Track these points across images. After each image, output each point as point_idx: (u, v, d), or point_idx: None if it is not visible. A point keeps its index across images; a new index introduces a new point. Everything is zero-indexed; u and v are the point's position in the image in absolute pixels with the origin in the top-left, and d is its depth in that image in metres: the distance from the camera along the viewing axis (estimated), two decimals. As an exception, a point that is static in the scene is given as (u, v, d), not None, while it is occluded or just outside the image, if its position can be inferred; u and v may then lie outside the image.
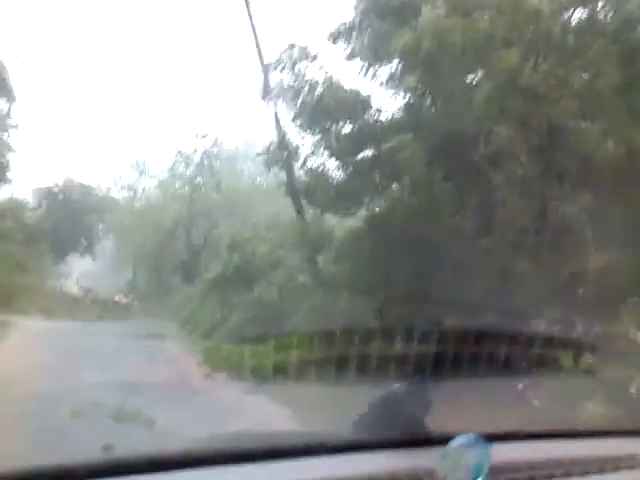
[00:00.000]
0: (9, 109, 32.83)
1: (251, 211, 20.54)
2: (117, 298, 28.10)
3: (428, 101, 11.87)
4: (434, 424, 2.04)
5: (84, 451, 5.29)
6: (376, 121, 12.52)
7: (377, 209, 12.12)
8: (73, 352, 12.00)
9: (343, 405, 7.94)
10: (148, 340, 15.43)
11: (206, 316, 16.07)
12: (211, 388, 9.44)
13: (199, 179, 26.70)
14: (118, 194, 33.31)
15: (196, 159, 26.50)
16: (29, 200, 34.26)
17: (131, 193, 32.72)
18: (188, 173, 27.52)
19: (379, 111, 12.68)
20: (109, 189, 33.24)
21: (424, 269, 10.02)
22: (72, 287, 32.38)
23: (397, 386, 2.25)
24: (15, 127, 34.64)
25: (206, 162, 26.13)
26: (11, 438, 5.78)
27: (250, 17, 14.52)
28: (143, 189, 32.51)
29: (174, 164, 28.00)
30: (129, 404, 7.06)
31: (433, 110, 11.68)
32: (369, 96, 12.64)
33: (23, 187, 33.66)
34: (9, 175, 32.64)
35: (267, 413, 7.70)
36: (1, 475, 1.52)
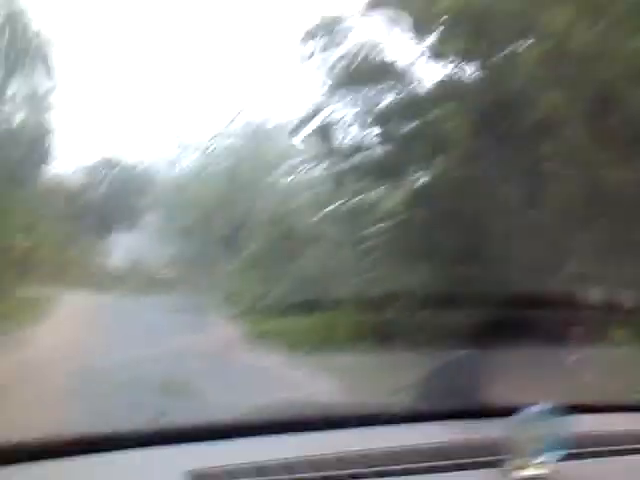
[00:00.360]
0: (52, 86, 33.61)
1: (292, 185, 20.46)
2: (161, 272, 28.59)
3: (474, 68, 11.48)
4: (495, 394, 1.95)
5: (132, 422, 5.36)
6: (418, 90, 12.18)
7: (421, 182, 11.86)
8: (119, 326, 12.25)
9: (390, 374, 7.89)
10: (192, 314, 15.64)
11: (248, 290, 16.16)
12: (255, 360, 9.48)
13: (240, 154, 26.74)
14: (161, 170, 33.66)
15: (236, 133, 26.52)
16: (74, 177, 35.02)
17: (174, 169, 33.02)
18: (229, 147, 27.58)
19: (421, 80, 12.32)
20: (152, 165, 33.59)
21: (471, 242, 9.79)
22: (117, 262, 33.12)
23: (455, 354, 2.17)
24: (58, 104, 35.42)
25: (247, 135, 26.10)
26: (62, 409, 5.89)
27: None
28: (186, 165, 32.78)
29: (215, 138, 28.08)
30: (175, 376, 7.13)
31: (479, 77, 11.29)
32: (411, 64, 12.28)
33: (67, 164, 34.26)
34: (55, 153, 33.60)
35: (312, 383, 7.66)
36: (54, 440, 1.50)
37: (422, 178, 11.69)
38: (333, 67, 12.42)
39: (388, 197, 13.29)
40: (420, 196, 11.47)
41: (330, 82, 12.62)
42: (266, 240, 16.00)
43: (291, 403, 2.82)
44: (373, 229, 13.17)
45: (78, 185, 34.58)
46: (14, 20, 32.09)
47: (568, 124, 9.81)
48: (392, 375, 8.09)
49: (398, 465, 1.40)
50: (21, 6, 31.81)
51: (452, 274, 9.59)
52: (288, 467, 1.36)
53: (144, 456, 1.46)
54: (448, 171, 10.95)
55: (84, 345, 10.03)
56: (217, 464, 1.37)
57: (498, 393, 1.96)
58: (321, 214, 14.36)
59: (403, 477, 1.38)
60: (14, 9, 31.54)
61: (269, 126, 27.87)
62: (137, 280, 26.61)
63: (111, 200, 34.25)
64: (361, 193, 13.42)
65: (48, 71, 33.38)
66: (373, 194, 13.31)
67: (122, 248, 37.41)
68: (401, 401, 1.81)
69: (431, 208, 10.98)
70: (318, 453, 1.44)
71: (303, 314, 11.90)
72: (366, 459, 1.41)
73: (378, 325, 10.38)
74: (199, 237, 28.14)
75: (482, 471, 1.43)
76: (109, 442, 1.48)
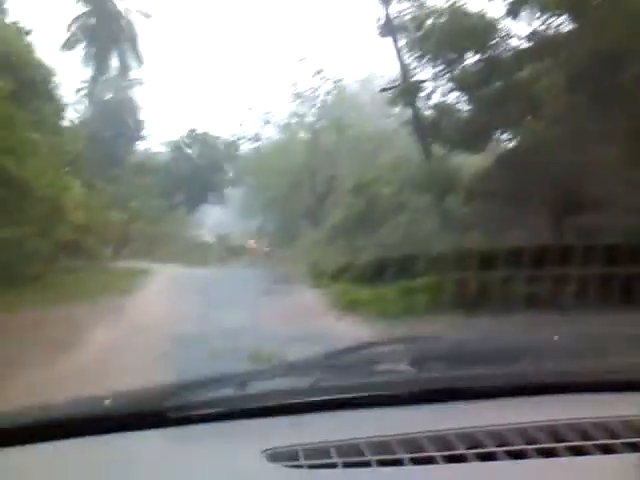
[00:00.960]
0: (138, 66, 34.64)
1: (375, 153, 20.16)
2: (247, 244, 29.26)
3: (568, 21, 10.75)
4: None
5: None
6: (507, 49, 11.57)
7: (511, 144, 11.31)
8: (208, 296, 12.56)
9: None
10: (277, 284, 15.86)
11: (332, 260, 16.17)
12: (343, 330, 9.42)
13: (321, 123, 26.62)
14: (244, 144, 34.19)
15: (317, 102, 26.42)
16: (161, 154, 36.18)
17: (256, 142, 33.44)
18: (310, 118, 27.53)
19: (509, 37, 11.69)
20: (236, 139, 34.15)
21: (567, 206, 9.25)
22: (205, 235, 34.13)
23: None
24: (144, 84, 36.56)
25: (327, 104, 25.92)
26: (154, 375, 6.09)
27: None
28: (267, 137, 33.11)
29: (295, 109, 28.11)
30: (263, 345, 7.18)
31: (574, 30, 10.56)
32: (498, 21, 11.66)
33: (154, 142, 35.43)
34: (144, 132, 34.71)
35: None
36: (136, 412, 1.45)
37: (508, 141, 11.17)
38: (417, 29, 11.99)
39: (470, 163, 12.84)
40: (506, 160, 10.97)
41: (413, 45, 12.20)
42: (350, 209, 15.88)
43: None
44: (456, 197, 12.79)
45: (167, 161, 35.84)
46: (103, 2, 33.34)
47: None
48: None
49: (560, 442, 1.22)
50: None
51: (541, 245, 9.09)
52: (375, 446, 1.25)
53: (216, 432, 1.40)
54: (539, 132, 10.39)
55: (176, 312, 10.38)
56: (292, 441, 1.28)
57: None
58: (404, 183, 14.07)
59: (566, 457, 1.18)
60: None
61: (350, 92, 27.63)
62: (224, 252, 27.38)
63: (197, 175, 35.27)
64: (444, 159, 13.02)
65: (137, 52, 34.57)
66: (454, 160, 12.89)
67: (209, 221, 38.48)
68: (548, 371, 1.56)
69: (518, 172, 10.44)
70: (443, 427, 1.29)
71: (389, 282, 11.76)
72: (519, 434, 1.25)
73: (464, 294, 10.08)
74: (283, 208, 28.51)
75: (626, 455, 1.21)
76: (212, 406, 1.44)
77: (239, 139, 33.79)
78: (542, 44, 10.99)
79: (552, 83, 9.47)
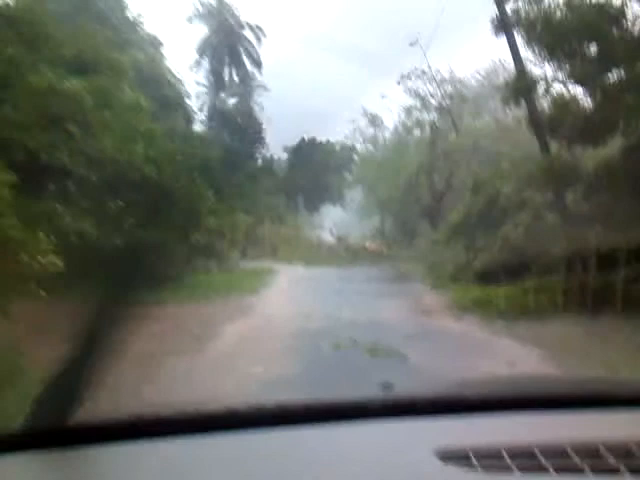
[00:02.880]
0: (259, 72, 36.27)
1: (493, 150, 19.85)
2: (367, 244, 29.74)
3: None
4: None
5: (341, 379, 5.92)
6: (628, 37, 11.09)
7: (633, 136, 10.82)
8: (330, 294, 13.14)
9: (600, 345, 7.55)
10: (397, 283, 16.17)
11: (452, 259, 16.20)
12: (461, 329, 9.58)
13: (438, 122, 26.49)
14: (360, 147, 34.78)
15: (434, 102, 26.32)
16: (281, 159, 37.60)
17: (372, 145, 33.91)
18: (426, 117, 27.47)
19: (631, 24, 11.18)
20: (352, 143, 34.84)
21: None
22: (326, 236, 35.07)
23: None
24: (265, 89, 38.13)
25: (444, 104, 25.75)
26: (283, 367, 6.66)
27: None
28: (383, 139, 33.41)
29: (410, 110, 28.13)
30: (382, 341, 7.57)
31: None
32: (619, 8, 11.18)
33: (275, 147, 36.84)
34: (265, 137, 36.24)
35: (517, 354, 7.55)
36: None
37: (631, 133, 10.69)
38: (533, 22, 11.78)
39: (591, 157, 12.40)
40: (629, 153, 10.52)
41: (530, 40, 11.99)
42: (469, 208, 15.83)
43: (542, 378, 2.60)
44: (578, 192, 12.42)
45: (287, 165, 37.22)
46: (224, 13, 35.27)
47: None
48: (595, 345, 7.71)
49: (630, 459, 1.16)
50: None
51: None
52: (550, 451, 1.20)
53: (390, 429, 1.39)
54: None
55: (301, 308, 10.97)
56: (462, 442, 1.26)
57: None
58: (524, 180, 13.84)
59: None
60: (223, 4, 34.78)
61: (467, 91, 27.25)
62: (344, 252, 28.03)
63: (317, 178, 36.32)
64: (565, 154, 12.66)
65: (255, 61, 36.22)
66: (575, 155, 12.50)
67: (329, 223, 39.41)
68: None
69: None
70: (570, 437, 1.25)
71: (509, 282, 11.68)
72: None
73: (586, 295, 9.85)
74: (401, 209, 28.67)
75: None
76: (332, 412, 1.42)
77: (355, 143, 34.43)
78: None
79: None
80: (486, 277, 12.95)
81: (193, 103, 32.69)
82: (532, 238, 13.01)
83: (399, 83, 25.91)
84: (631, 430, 1.30)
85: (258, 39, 36.14)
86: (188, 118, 26.50)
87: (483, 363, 6.74)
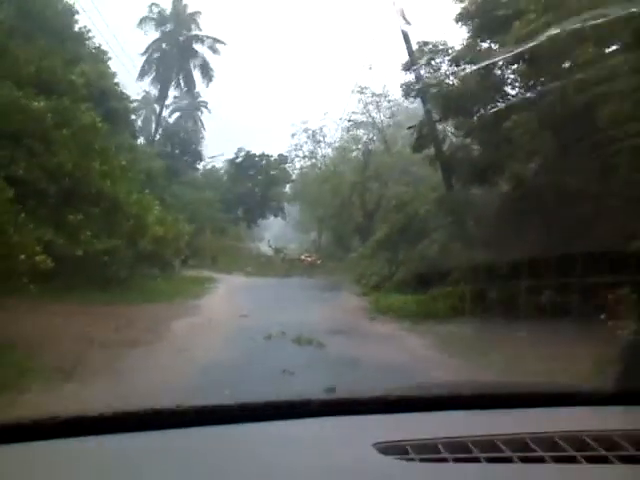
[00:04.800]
0: (206, 87, 37.20)
1: (415, 174, 21.90)
2: (303, 257, 31.25)
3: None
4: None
5: (269, 359, 7.55)
6: (500, 104, 13.44)
7: (512, 179, 13.30)
8: (266, 299, 14.74)
9: (479, 340, 9.44)
10: (327, 292, 17.84)
11: (376, 271, 18.01)
12: (373, 326, 11.38)
13: (372, 145, 28.30)
14: (300, 162, 36.05)
15: (368, 125, 28.10)
16: (221, 171, 38.68)
17: (311, 161, 35.22)
18: (362, 139, 29.19)
19: (504, 95, 13.59)
20: (292, 158, 35.97)
21: (554, 229, 10.78)
22: (264, 248, 36.42)
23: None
24: (206, 104, 39.25)
25: (382, 125, 27.51)
26: (225, 351, 8.20)
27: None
28: (322, 156, 34.87)
29: (349, 131, 29.80)
30: (306, 334, 9.22)
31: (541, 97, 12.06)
32: (499, 83, 13.59)
33: (216, 159, 37.99)
34: (206, 150, 37.30)
35: (412, 344, 9.39)
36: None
37: (506, 179, 13.09)
38: (433, 89, 14.39)
39: (480, 194, 14.91)
40: (500, 196, 12.69)
41: (432, 102, 14.55)
42: (391, 226, 17.68)
43: (478, 381, 2.98)
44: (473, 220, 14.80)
45: (227, 177, 38.20)
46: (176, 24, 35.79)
47: None
48: (475, 341, 9.62)
49: (581, 451, 1.27)
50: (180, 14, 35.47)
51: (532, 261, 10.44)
52: (481, 444, 1.30)
53: (331, 425, 1.47)
54: (525, 178, 12.42)
55: (239, 310, 12.41)
56: (401, 436, 1.34)
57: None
58: (438, 202, 15.88)
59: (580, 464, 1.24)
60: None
61: (395, 120, 29.17)
62: (282, 264, 29.44)
63: (256, 192, 37.38)
64: (462, 191, 15.13)
65: (203, 73, 37.09)
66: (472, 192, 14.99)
67: (268, 235, 40.83)
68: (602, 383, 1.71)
69: (513, 205, 12.27)
70: (509, 432, 1.36)
71: (422, 291, 13.52)
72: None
73: (484, 301, 11.77)
74: (336, 225, 30.36)
75: None
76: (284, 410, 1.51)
77: (295, 156, 35.45)
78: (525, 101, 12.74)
79: (524, 132, 11.55)
80: (405, 286, 14.84)
81: (138, 115, 33.58)
82: (445, 254, 14.97)
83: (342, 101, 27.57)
84: (555, 424, 1.44)
85: (214, 51, 36.49)
86: (133, 132, 27.38)
87: (383, 349, 8.54)
